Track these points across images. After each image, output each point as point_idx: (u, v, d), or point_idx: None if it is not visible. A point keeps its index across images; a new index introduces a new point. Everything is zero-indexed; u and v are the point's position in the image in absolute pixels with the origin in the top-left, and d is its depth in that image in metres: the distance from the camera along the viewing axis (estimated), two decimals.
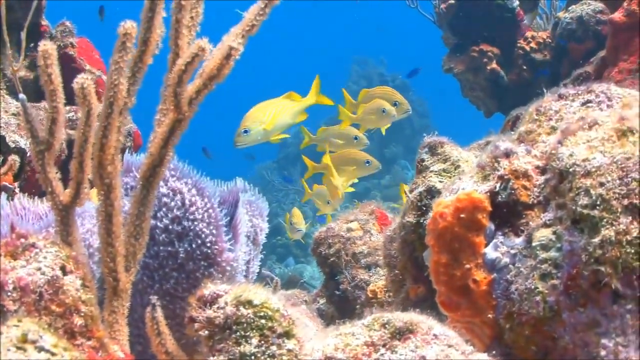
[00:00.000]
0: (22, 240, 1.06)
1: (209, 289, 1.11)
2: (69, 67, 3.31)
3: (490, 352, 1.20)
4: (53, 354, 0.86)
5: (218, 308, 1.08)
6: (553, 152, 1.21)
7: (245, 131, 3.19)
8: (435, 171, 1.91)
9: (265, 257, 5.08)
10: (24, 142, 2.71)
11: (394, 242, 2.00)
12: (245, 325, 1.05)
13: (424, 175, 1.93)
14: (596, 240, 1.10)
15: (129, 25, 1.38)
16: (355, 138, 4.02)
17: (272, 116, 3.24)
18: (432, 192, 1.85)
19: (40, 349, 0.85)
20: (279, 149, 13.14)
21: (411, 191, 1.93)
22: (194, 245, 1.80)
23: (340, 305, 2.61)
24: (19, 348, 0.83)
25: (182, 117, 1.44)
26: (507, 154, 1.29)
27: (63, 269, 1.07)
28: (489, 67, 4.78)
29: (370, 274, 2.53)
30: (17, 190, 2.37)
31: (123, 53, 1.39)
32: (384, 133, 4.18)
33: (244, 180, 2.06)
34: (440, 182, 1.87)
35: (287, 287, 4.24)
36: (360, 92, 4.06)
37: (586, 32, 4.34)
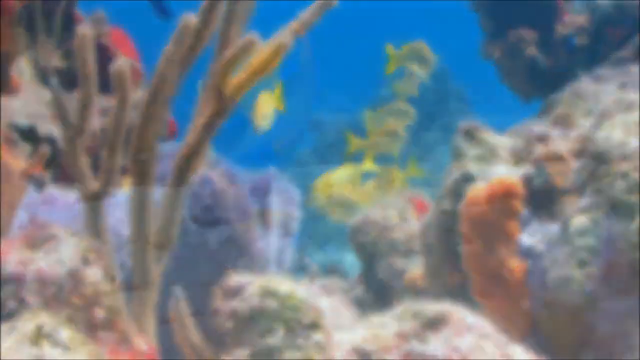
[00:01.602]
0: (42, 231, 1.05)
1: (233, 279, 1.09)
2: (103, 57, 3.30)
3: (526, 341, 1.17)
4: (68, 348, 0.85)
5: (243, 299, 1.06)
6: (589, 135, 1.17)
7: (264, 116, 3.31)
8: (471, 157, 1.88)
9: (305, 244, 5.08)
10: (58, 132, 2.71)
11: (430, 229, 1.97)
12: (270, 316, 1.03)
13: (459, 161, 1.90)
14: (634, 225, 1.06)
15: (191, 20, 1.36)
16: None
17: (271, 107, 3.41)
18: (467, 179, 1.82)
19: (55, 343, 0.84)
20: (318, 135, 13.14)
21: (447, 178, 1.91)
22: (224, 234, 1.79)
23: (378, 293, 2.59)
24: (33, 342, 0.82)
25: (223, 109, 1.42)
26: (542, 138, 1.26)
27: (84, 260, 1.05)
28: (526, 52, 4.73)
29: (408, 262, 2.51)
30: (48, 180, 2.37)
31: (178, 45, 1.37)
32: (416, 94, 4.33)
33: (282, 167, 2.05)
34: (476, 168, 1.84)
35: (327, 275, 4.25)
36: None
37: (623, 16, 4.28)
